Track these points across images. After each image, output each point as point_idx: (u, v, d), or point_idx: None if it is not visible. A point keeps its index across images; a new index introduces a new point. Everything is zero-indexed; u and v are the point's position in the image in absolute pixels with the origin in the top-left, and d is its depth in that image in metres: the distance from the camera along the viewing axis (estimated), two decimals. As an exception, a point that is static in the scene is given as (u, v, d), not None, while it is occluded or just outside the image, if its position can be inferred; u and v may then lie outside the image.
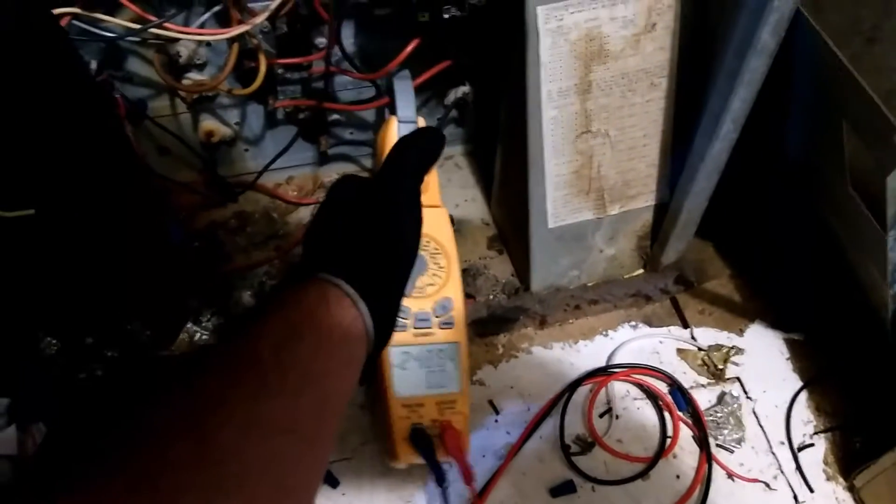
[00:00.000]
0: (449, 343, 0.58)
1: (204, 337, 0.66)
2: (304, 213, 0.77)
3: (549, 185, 0.61)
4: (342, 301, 0.35)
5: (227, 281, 0.70)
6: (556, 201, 0.62)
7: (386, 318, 0.38)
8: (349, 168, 0.81)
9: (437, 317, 0.58)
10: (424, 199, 0.55)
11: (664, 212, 0.65)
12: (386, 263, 0.39)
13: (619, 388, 0.68)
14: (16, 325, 0.59)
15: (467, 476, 0.55)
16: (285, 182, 0.79)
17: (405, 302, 0.55)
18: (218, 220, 0.75)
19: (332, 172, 0.80)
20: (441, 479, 0.56)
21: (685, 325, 0.72)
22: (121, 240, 0.54)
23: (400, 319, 0.56)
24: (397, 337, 0.54)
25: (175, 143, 0.70)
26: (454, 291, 0.59)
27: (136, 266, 0.57)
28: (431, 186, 0.59)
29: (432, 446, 0.56)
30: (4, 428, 0.58)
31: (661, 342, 0.71)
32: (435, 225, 0.59)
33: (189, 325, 0.66)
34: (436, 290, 0.59)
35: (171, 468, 0.26)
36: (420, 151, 0.44)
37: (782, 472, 0.63)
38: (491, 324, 0.69)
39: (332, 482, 0.62)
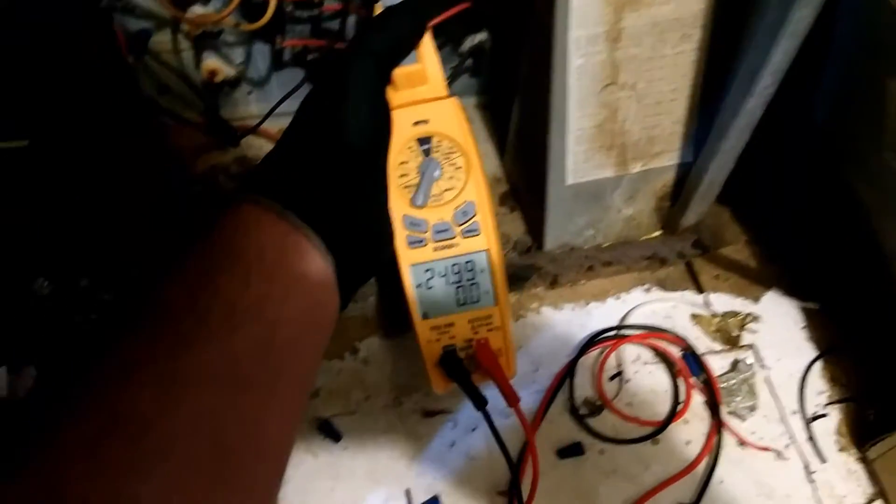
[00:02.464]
0: (476, 252, 0.51)
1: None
2: (310, 162, 0.74)
3: (570, 139, 0.58)
4: (266, 218, 0.30)
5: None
6: (577, 156, 0.60)
7: (347, 232, 0.33)
8: (357, 116, 0.77)
9: (458, 225, 0.51)
10: (426, 91, 0.50)
11: (687, 172, 0.63)
12: (322, 167, 0.32)
13: (631, 352, 0.66)
14: (8, 264, 0.56)
15: (510, 397, 0.50)
16: (290, 128, 0.76)
17: (420, 213, 0.51)
18: (218, 165, 0.72)
19: (339, 120, 0.77)
20: (479, 404, 0.50)
21: (700, 290, 0.70)
22: (120, 177, 0.52)
23: (416, 234, 0.51)
24: (416, 253, 0.51)
25: (176, 82, 0.66)
26: (477, 194, 0.51)
27: (134, 206, 0.54)
28: (431, 74, 0.49)
29: (463, 368, 0.51)
30: (-6, 370, 0.55)
31: (674, 307, 0.69)
32: (445, 119, 0.50)
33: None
34: (455, 194, 0.51)
35: (79, 456, 0.23)
36: (384, 32, 0.37)
37: (794, 441, 0.62)
38: (501, 282, 0.67)
39: (335, 436, 0.61)
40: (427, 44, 0.48)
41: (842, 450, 0.62)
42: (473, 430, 0.62)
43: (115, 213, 0.54)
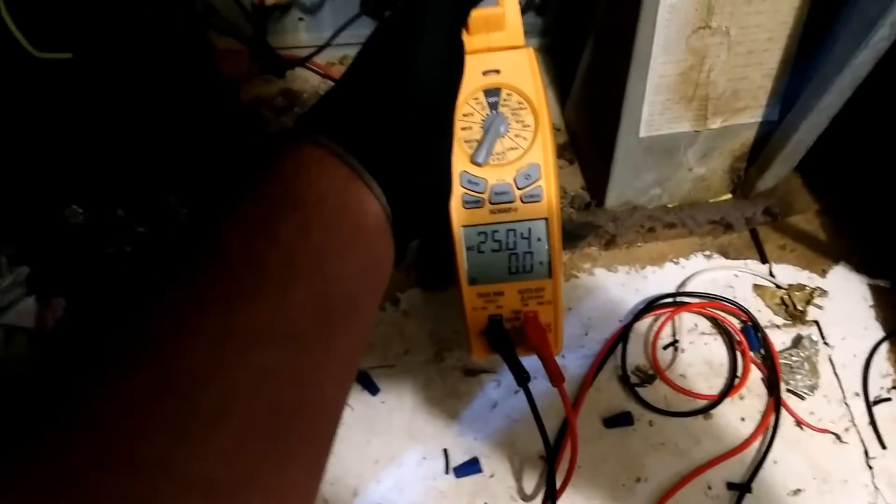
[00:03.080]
0: (535, 220, 0.47)
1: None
2: (357, 98, 0.70)
3: (650, 88, 0.54)
4: (328, 161, 0.27)
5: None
6: (654, 106, 0.55)
7: (408, 182, 0.30)
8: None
9: (519, 188, 0.47)
10: (501, 38, 0.46)
11: (769, 132, 0.58)
12: (390, 113, 0.30)
13: (688, 321, 0.62)
14: (41, 188, 0.53)
15: (556, 375, 0.46)
16: (339, 62, 0.71)
17: (480, 172, 0.47)
18: (263, 97, 0.68)
19: (390, 55, 0.72)
20: (521, 379, 0.47)
21: (763, 260, 0.66)
22: (166, 98, 0.48)
23: (473, 193, 0.47)
24: (470, 214, 0.47)
25: (225, 2, 0.61)
26: (542, 156, 0.46)
27: (179, 130, 0.50)
28: (510, 20, 0.46)
29: (510, 341, 0.47)
30: (23, 298, 0.53)
31: (736, 275, 0.65)
32: (517, 71, 0.46)
33: (230, 206, 0.60)
34: (519, 154, 0.47)
35: (129, 415, 0.21)
36: None
37: (854, 424, 0.59)
38: (556, 238, 0.63)
39: (372, 389, 0.58)
40: None
41: (904, 437, 0.59)
42: (517, 391, 0.59)
43: (161, 134, 0.50)
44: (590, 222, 0.62)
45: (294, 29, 0.67)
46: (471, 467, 0.55)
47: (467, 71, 0.42)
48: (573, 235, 0.63)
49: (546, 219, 0.47)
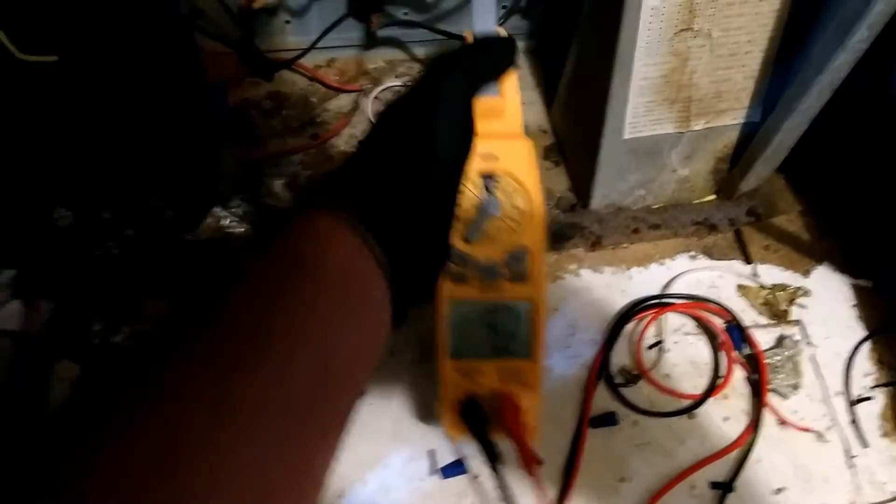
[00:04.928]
0: (521, 301, 0.48)
1: (232, 223, 0.60)
2: (345, 101, 0.70)
3: (634, 89, 0.54)
4: (340, 232, 0.28)
5: (258, 166, 0.64)
6: (637, 108, 0.55)
7: (412, 254, 0.30)
8: (396, 55, 0.73)
9: (508, 269, 0.48)
10: (501, 125, 0.47)
11: (752, 133, 0.59)
12: (404, 187, 0.30)
13: (673, 321, 0.63)
14: (28, 190, 0.53)
15: (528, 462, 0.46)
16: (326, 64, 0.71)
17: (470, 249, 0.48)
18: (251, 99, 0.68)
19: (378, 59, 0.73)
20: (492, 458, 0.46)
21: (748, 261, 0.67)
22: (152, 102, 0.48)
23: (462, 269, 0.48)
24: (457, 289, 0.48)
25: (211, 5, 0.62)
26: (533, 240, 0.47)
27: (166, 135, 0.50)
28: (510, 111, 0.47)
29: (485, 421, 0.47)
30: (7, 301, 0.53)
31: (720, 276, 0.66)
32: (514, 158, 0.47)
33: (217, 208, 0.60)
34: (509, 236, 0.48)
35: (119, 483, 0.20)
36: (478, 53, 0.35)
37: (837, 423, 0.59)
38: (542, 240, 0.64)
39: (359, 391, 0.58)
40: (511, 80, 0.45)
41: (885, 435, 0.59)
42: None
43: (147, 138, 0.50)
44: (575, 223, 0.63)
45: (281, 32, 0.68)
46: (456, 468, 0.55)
47: None
48: (559, 236, 0.64)
49: (532, 301, 0.48)
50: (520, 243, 0.47)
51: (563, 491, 0.54)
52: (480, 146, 0.45)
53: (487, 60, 0.36)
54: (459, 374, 0.48)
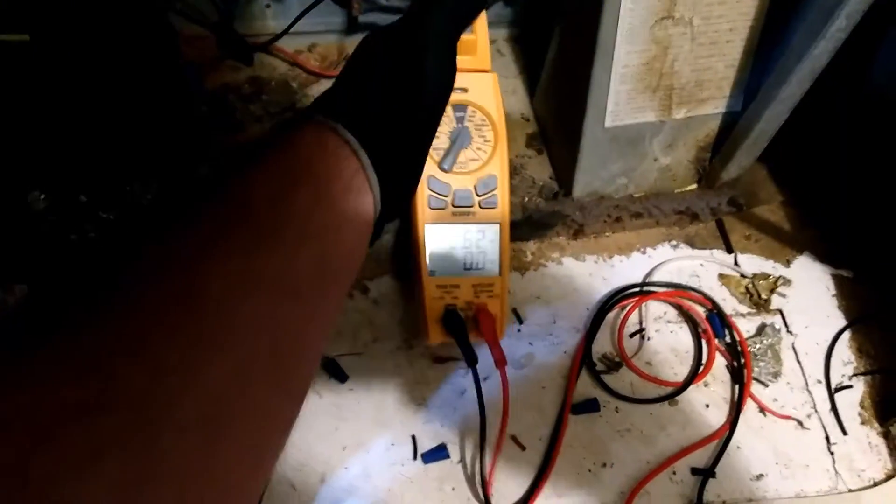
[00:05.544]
0: (490, 224, 0.54)
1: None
2: (326, 86, 0.69)
3: (615, 77, 0.54)
4: (341, 149, 0.31)
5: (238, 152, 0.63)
6: (619, 96, 0.55)
7: (396, 176, 0.34)
8: (379, 42, 0.72)
9: (478, 195, 0.54)
10: (471, 61, 0.53)
11: (733, 122, 0.59)
12: (398, 114, 0.34)
13: (654, 310, 0.63)
14: (3, 173, 0.52)
15: (500, 360, 0.51)
16: (307, 49, 0.71)
17: (445, 178, 0.53)
18: (230, 84, 0.67)
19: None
20: (471, 361, 0.51)
21: (729, 250, 0.67)
22: (128, 81, 0.47)
23: (439, 196, 0.53)
24: (435, 214, 0.54)
25: (189, -13, 0.61)
26: (499, 169, 0.54)
27: (142, 116, 0.50)
28: (480, 47, 0.53)
29: (465, 328, 0.52)
30: (-16, 285, 0.52)
31: (702, 265, 0.66)
32: (482, 92, 0.53)
33: (196, 193, 0.59)
34: (479, 165, 0.54)
35: (155, 320, 0.23)
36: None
37: (816, 411, 0.60)
38: (524, 227, 0.64)
39: (341, 376, 0.58)
40: (482, 17, 0.51)
41: (864, 423, 0.60)
42: (485, 379, 0.59)
43: (123, 120, 0.49)
44: (558, 212, 0.63)
45: (262, 16, 0.67)
46: (438, 453, 0.55)
47: None
48: (541, 225, 0.64)
49: (500, 223, 0.55)
50: (490, 172, 0.54)
51: (542, 474, 0.54)
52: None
53: (470, 2, 0.38)
54: (439, 289, 0.54)
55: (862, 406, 0.61)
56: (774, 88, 0.52)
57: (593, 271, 0.65)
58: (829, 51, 0.48)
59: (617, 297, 0.63)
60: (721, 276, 0.65)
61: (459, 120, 0.54)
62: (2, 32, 0.42)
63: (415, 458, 0.55)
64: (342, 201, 0.31)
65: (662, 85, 0.55)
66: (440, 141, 0.54)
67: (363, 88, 0.34)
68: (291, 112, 0.66)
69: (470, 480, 0.55)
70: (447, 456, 0.55)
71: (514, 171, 0.66)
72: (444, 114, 0.49)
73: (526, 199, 0.65)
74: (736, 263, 0.66)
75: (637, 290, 0.63)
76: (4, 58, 0.43)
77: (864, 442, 0.59)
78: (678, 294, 0.63)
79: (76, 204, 0.54)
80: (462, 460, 0.55)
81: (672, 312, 0.63)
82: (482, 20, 0.51)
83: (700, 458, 0.57)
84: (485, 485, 0.53)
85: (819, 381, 0.61)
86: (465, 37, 0.51)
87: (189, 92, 0.54)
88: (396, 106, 0.34)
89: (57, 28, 0.43)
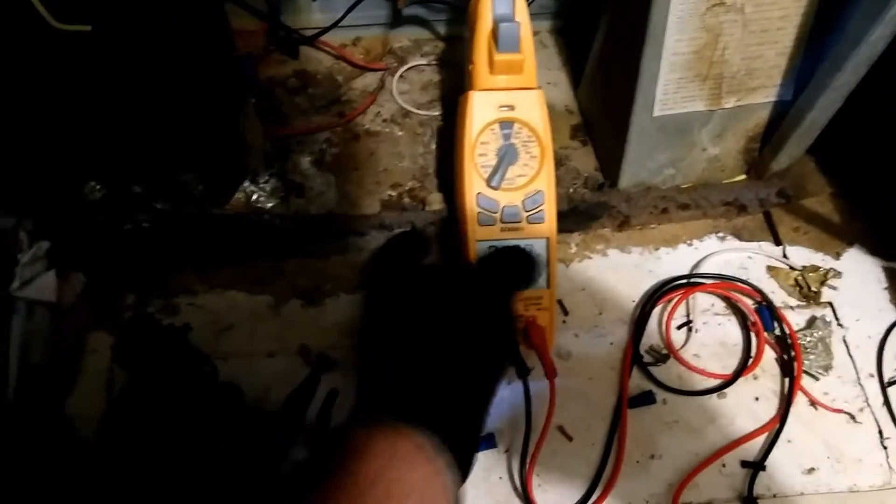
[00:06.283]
0: (538, 238, 0.55)
1: (261, 198, 0.60)
2: (371, 79, 0.70)
3: (665, 66, 0.54)
4: (419, 453, 0.31)
5: (285, 143, 0.64)
6: (668, 85, 0.55)
7: (468, 457, 0.35)
8: (422, 34, 0.73)
9: (526, 211, 0.54)
10: (518, 80, 0.55)
11: (784, 111, 0.58)
12: (470, 403, 0.35)
13: (702, 302, 0.62)
14: (61, 163, 0.53)
15: (550, 371, 0.52)
16: (352, 43, 0.71)
17: (493, 195, 0.54)
18: (277, 77, 0.68)
19: (403, 37, 0.73)
20: (524, 372, 0.52)
21: (777, 242, 0.66)
22: (185, 73, 0.48)
23: (488, 213, 0.54)
24: (484, 231, 0.54)
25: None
26: (546, 184, 0.55)
27: (196, 107, 0.51)
28: (527, 66, 0.54)
29: (516, 341, 0.53)
30: (43, 272, 0.53)
31: (749, 257, 0.65)
32: (529, 109, 0.54)
33: (246, 184, 0.60)
34: (526, 181, 0.55)
35: None
36: (516, 273, 0.42)
37: (869, 405, 0.59)
38: (569, 219, 0.63)
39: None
40: (528, 38, 0.53)
41: (918, 418, 0.59)
42: (532, 368, 0.59)
43: (180, 111, 0.50)
44: (603, 203, 0.63)
45: (307, 9, 0.68)
46: (486, 443, 0.55)
47: (488, 103, 0.54)
48: (586, 216, 0.63)
49: (547, 238, 0.55)
50: (537, 187, 0.54)
51: (607, 475, 0.54)
52: (500, 97, 0.54)
53: (525, 280, 0.42)
54: None
55: (916, 401, 0.59)
56: (828, 76, 0.51)
57: (639, 263, 0.65)
58: (887, 36, 0.47)
59: (664, 288, 0.62)
60: (769, 269, 0.64)
61: (506, 137, 0.55)
62: (65, 23, 0.43)
63: None
64: None
65: (712, 73, 0.55)
66: (488, 158, 0.54)
67: (430, 380, 0.33)
68: (339, 117, 0.65)
69: (517, 470, 0.55)
70: (495, 445, 0.55)
71: (559, 162, 0.66)
72: (493, 131, 0.54)
73: (571, 190, 0.64)
74: (784, 255, 0.65)
75: (684, 281, 0.62)
76: (65, 48, 0.44)
77: (918, 437, 0.58)
78: (726, 286, 0.62)
79: (131, 194, 0.55)
80: (509, 450, 0.55)
81: (720, 305, 0.63)
82: (528, 41, 0.53)
83: (750, 451, 0.56)
84: (524, 476, 0.53)
85: (871, 375, 0.60)
86: (512, 56, 0.53)
87: (241, 83, 0.55)
88: (469, 399, 0.34)
89: (118, 19, 0.44)
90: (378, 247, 0.59)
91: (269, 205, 0.60)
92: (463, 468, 0.34)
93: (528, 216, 0.54)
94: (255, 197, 0.60)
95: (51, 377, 0.52)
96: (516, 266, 0.41)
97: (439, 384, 0.33)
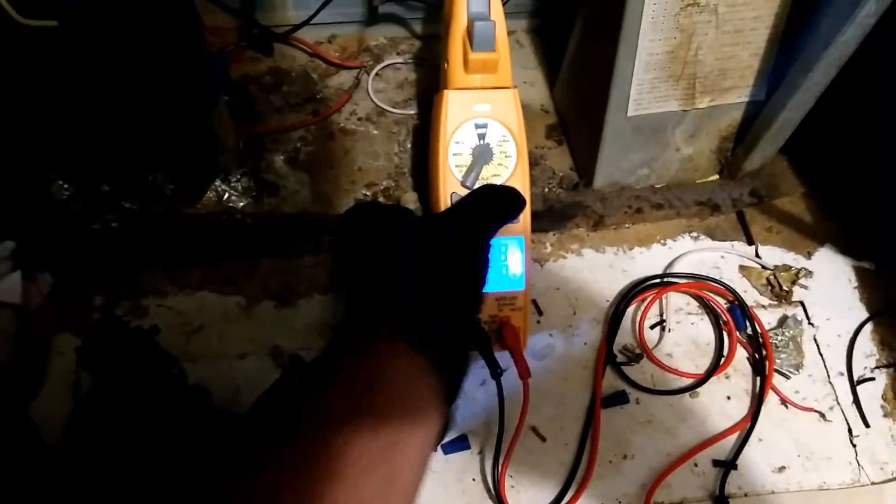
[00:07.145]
0: (512, 238, 0.54)
1: (233, 197, 0.60)
2: (346, 77, 0.70)
3: (639, 65, 0.54)
4: (418, 368, 0.32)
5: (258, 142, 0.63)
6: (642, 85, 0.55)
7: (458, 377, 0.36)
8: (398, 32, 0.72)
9: None
10: (493, 79, 0.54)
11: (757, 112, 0.58)
12: (461, 326, 0.37)
13: (675, 301, 0.63)
14: (27, 162, 0.52)
15: (524, 372, 0.52)
16: (327, 40, 0.71)
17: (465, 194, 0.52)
18: (251, 75, 0.67)
19: (379, 35, 0.72)
20: (496, 373, 0.51)
21: (750, 242, 0.66)
22: (153, 70, 0.47)
23: None
24: None
25: (210, -23, 0.61)
26: (521, 182, 0.55)
27: (166, 104, 0.50)
28: (502, 65, 0.54)
29: (489, 342, 0.52)
30: (8, 273, 0.52)
31: (722, 257, 0.65)
32: (504, 108, 0.54)
33: (217, 183, 0.59)
34: (500, 181, 0.55)
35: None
36: (500, 209, 0.42)
37: (839, 403, 0.59)
38: (545, 218, 0.63)
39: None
40: (504, 37, 0.53)
41: (887, 415, 0.59)
42: (506, 369, 0.59)
43: (148, 109, 0.49)
44: (578, 202, 0.63)
45: (282, 6, 0.67)
46: (459, 444, 0.55)
47: (464, 102, 0.54)
48: (561, 216, 0.63)
49: (521, 237, 0.55)
50: (511, 185, 0.53)
51: (580, 475, 0.55)
52: (476, 96, 0.54)
53: (507, 216, 0.42)
54: None
55: (884, 398, 0.60)
56: (800, 76, 0.52)
57: (613, 263, 0.65)
58: (858, 36, 0.48)
59: (637, 288, 0.62)
60: (742, 268, 0.65)
61: (481, 137, 0.54)
62: (30, 18, 0.42)
63: (435, 449, 0.55)
64: (414, 419, 0.31)
65: (686, 73, 0.55)
66: (462, 157, 0.54)
67: (426, 302, 0.35)
68: (313, 115, 0.65)
69: (490, 471, 0.54)
70: (468, 447, 0.55)
71: (534, 162, 0.66)
72: (467, 130, 0.54)
73: (546, 189, 0.64)
74: (757, 255, 0.65)
75: (658, 281, 0.63)
76: (31, 45, 0.43)
77: (886, 434, 0.58)
78: (699, 286, 0.62)
79: (99, 193, 0.54)
80: (482, 451, 0.55)
81: (693, 304, 0.63)
82: (503, 42, 0.53)
83: (721, 450, 0.57)
84: (497, 477, 0.53)
85: (841, 374, 0.61)
86: (487, 55, 0.52)
87: (212, 81, 0.54)
88: (460, 322, 0.36)
89: (85, 14, 0.43)
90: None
91: (241, 204, 0.60)
92: (451, 392, 0.35)
93: None
94: (226, 196, 0.59)
95: (16, 380, 0.51)
96: (493, 200, 0.42)
97: (431, 308, 0.35)
